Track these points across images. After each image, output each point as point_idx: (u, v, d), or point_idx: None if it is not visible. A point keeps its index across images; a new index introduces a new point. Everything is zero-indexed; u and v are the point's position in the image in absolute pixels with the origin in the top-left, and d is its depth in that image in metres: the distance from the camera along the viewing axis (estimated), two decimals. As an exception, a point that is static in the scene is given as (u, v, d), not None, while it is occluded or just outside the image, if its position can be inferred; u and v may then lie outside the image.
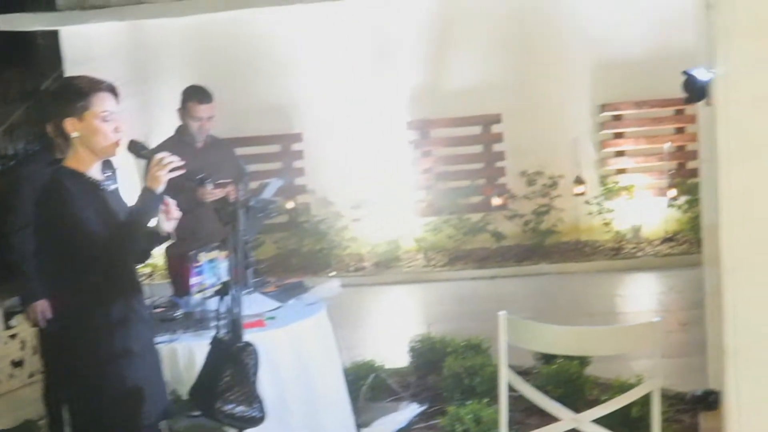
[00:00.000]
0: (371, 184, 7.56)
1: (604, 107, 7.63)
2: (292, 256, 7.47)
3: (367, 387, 4.20)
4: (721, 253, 2.22)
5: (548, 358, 4.07)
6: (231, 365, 2.67)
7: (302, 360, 3.35)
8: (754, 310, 2.24)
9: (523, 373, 3.66)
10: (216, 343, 2.78)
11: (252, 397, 2.68)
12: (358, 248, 7.61)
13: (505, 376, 2.71)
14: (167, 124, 4.48)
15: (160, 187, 2.54)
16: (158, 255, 4.19)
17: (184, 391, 2.95)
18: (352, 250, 7.62)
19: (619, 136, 7.69)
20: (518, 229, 7.66)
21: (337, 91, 7.66)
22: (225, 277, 3.20)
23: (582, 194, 7.58)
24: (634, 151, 7.67)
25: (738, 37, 1.99)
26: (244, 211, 2.90)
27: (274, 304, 3.52)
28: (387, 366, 4.42)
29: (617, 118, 7.67)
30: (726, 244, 2.20)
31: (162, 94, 6.93)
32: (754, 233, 2.19)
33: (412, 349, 4.58)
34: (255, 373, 2.71)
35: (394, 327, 5.93)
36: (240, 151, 4.72)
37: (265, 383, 2.97)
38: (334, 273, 7.22)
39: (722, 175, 2.13)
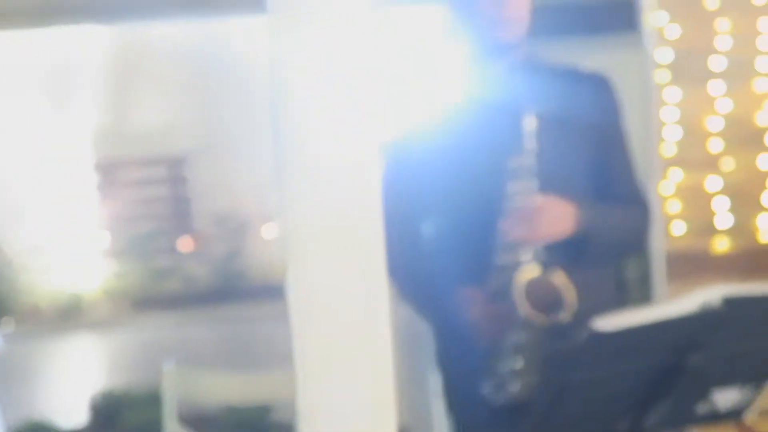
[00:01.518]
0: (50, 228, 7.12)
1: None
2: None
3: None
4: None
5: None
6: None
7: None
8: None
9: (207, 420, 3.55)
10: None
11: None
12: (34, 296, 7.12)
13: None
14: None
15: None
16: None
17: None
18: (27, 298, 7.11)
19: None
20: (208, 273, 7.51)
21: (13, 129, 7.17)
22: None
23: (272, 238, 7.59)
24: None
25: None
26: None
27: None
28: (64, 426, 4.15)
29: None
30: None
31: None
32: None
33: (93, 405, 4.33)
34: None
35: (73, 381, 5.60)
36: None
37: None
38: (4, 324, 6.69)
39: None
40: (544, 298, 2.16)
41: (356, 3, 1.14)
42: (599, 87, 2.32)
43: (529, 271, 2.18)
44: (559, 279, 2.18)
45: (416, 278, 2.35)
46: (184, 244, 7.44)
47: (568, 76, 2.37)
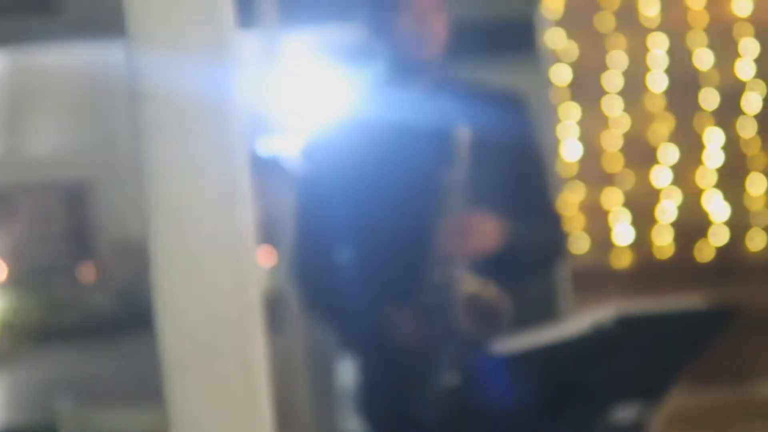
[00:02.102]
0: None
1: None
2: None
3: None
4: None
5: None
6: None
7: None
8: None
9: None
10: None
11: None
12: None
13: None
14: None
15: None
16: None
17: None
18: None
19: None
20: (110, 304, 7.35)
21: None
22: None
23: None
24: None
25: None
26: None
27: None
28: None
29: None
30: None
31: None
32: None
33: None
34: None
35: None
36: None
37: None
38: None
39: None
40: (482, 311, 2.16)
41: (221, 27, 1.09)
42: (516, 105, 2.35)
43: (468, 285, 2.17)
44: (495, 292, 2.18)
45: (338, 305, 2.31)
46: (85, 274, 7.25)
47: (485, 94, 2.40)
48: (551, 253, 2.45)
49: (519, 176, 2.33)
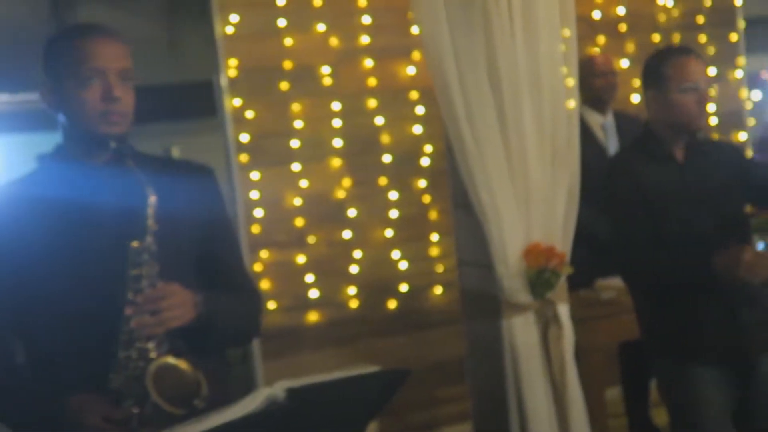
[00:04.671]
0: None
1: None
2: None
3: None
4: None
5: None
6: None
7: None
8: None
9: None
10: None
11: None
12: None
13: None
14: None
15: None
16: None
17: None
18: None
19: None
20: None
21: None
22: None
23: None
24: None
25: None
26: None
27: None
28: None
29: None
30: None
31: None
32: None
33: None
34: None
35: None
36: None
37: None
38: None
39: None
40: (176, 387, 2.08)
41: None
42: (205, 177, 2.32)
43: (157, 361, 2.09)
44: (188, 366, 2.11)
45: (16, 408, 2.15)
46: None
47: (174, 167, 2.35)
48: (248, 323, 2.44)
49: (213, 248, 2.31)
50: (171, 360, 2.12)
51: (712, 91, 3.63)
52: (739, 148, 3.34)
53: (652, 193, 3.03)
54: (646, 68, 3.17)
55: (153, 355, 2.10)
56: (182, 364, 2.13)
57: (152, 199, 2.13)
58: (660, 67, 3.09)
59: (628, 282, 3.22)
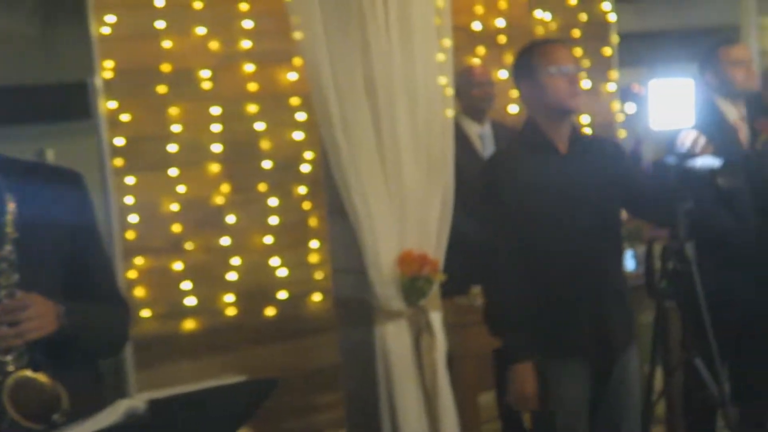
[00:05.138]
0: None
1: None
2: None
3: None
4: None
5: None
6: None
7: None
8: None
9: None
10: None
11: None
12: None
13: None
14: None
15: None
16: None
17: None
18: None
19: None
20: None
21: None
22: None
23: None
24: None
25: None
26: None
27: None
28: None
29: None
30: None
31: None
32: None
33: None
34: None
35: None
36: None
37: None
38: None
39: None
40: (35, 401, 2.00)
41: None
42: (72, 183, 2.23)
43: (15, 375, 2.00)
44: (48, 380, 2.03)
45: None
46: None
47: (40, 171, 2.25)
48: (115, 335, 2.37)
49: (80, 256, 2.24)
50: (29, 373, 2.05)
51: (583, 76, 3.72)
52: (622, 148, 3.43)
53: (532, 185, 3.06)
54: (517, 64, 3.26)
55: (11, 368, 2.02)
56: (41, 378, 2.05)
57: (11, 206, 2.06)
58: (528, 58, 3.18)
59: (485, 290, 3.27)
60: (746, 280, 3.79)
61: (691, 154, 3.02)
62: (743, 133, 4.16)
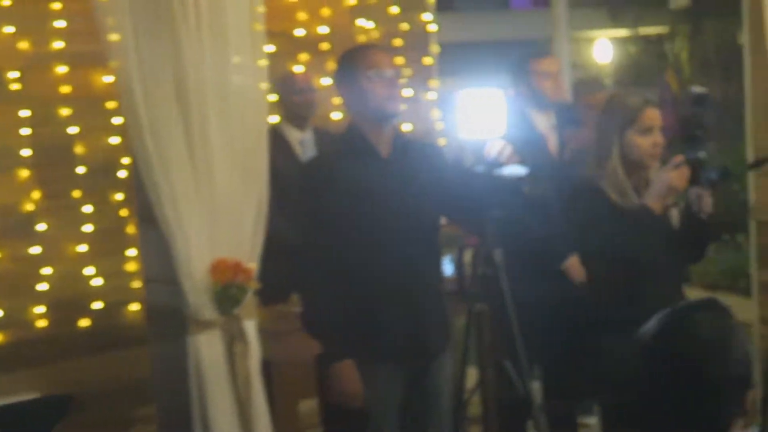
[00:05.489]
0: None
1: None
2: None
3: None
4: None
5: None
6: None
7: None
8: None
9: None
10: None
11: None
12: None
13: None
14: None
15: None
16: None
17: None
18: None
19: None
20: None
21: None
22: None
23: None
24: None
25: None
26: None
27: None
28: None
29: None
30: None
31: None
32: None
33: None
34: None
35: None
36: None
37: None
38: None
39: None
40: None
41: None
42: None
43: None
44: None
45: None
46: None
47: None
48: None
49: None
50: None
51: (403, 82, 3.79)
52: (441, 152, 3.50)
53: (351, 189, 3.10)
54: (337, 68, 3.31)
55: None
56: None
57: None
58: (349, 63, 3.24)
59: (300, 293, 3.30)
60: (552, 284, 3.95)
61: (498, 163, 3.10)
62: (552, 143, 4.33)
